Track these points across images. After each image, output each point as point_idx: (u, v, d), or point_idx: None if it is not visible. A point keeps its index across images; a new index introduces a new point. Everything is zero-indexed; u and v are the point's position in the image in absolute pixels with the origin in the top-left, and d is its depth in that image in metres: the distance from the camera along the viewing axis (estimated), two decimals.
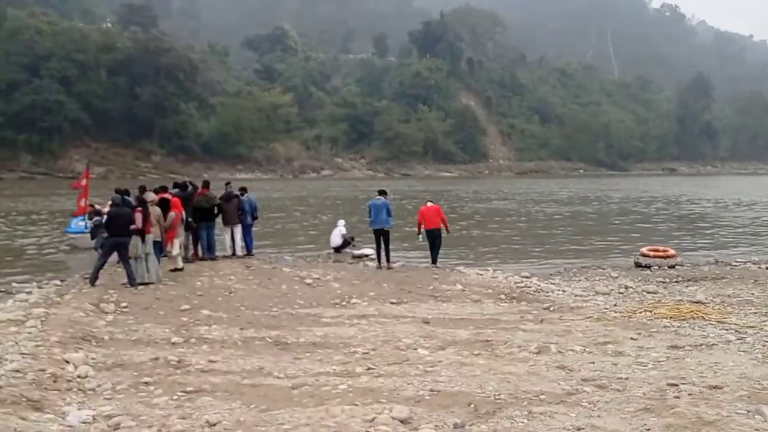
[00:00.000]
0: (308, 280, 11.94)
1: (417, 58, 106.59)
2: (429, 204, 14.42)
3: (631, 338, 7.83)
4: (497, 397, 5.73)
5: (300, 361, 7.12)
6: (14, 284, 11.99)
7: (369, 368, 6.70)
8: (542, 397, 5.66)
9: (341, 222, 16.65)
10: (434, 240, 14.02)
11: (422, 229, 14.03)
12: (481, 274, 13.24)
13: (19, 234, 21.22)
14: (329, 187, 56.34)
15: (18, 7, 77.90)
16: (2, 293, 10.90)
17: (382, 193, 14.17)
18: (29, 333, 7.66)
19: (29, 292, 10.86)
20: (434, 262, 14.03)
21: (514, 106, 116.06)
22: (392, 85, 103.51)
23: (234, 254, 14.44)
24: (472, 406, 5.52)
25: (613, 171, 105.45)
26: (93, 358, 6.97)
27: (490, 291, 11.50)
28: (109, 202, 11.94)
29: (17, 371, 5.98)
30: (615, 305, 10.15)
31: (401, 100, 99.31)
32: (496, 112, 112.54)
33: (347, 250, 16.04)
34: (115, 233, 11.40)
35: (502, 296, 11.09)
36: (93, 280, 11.26)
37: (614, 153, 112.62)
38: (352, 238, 16.36)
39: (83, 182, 15.57)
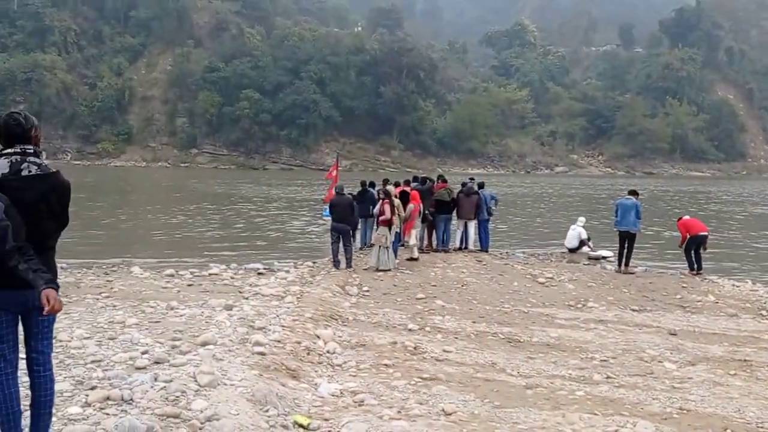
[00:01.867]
0: (541, 279, 11.67)
1: (667, 48, 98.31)
2: (686, 218, 13.46)
3: None
4: (760, 424, 5.05)
5: (533, 360, 6.98)
6: (275, 263, 13.48)
7: (608, 377, 6.34)
8: None
9: (581, 220, 15.91)
10: (700, 245, 12.89)
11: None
12: (737, 286, 11.82)
13: (284, 218, 23.86)
14: (564, 185, 54.55)
15: (285, 17, 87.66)
16: (267, 270, 12.32)
17: (633, 193, 13.26)
18: (287, 308, 8.53)
19: (287, 271, 12.14)
20: (699, 269, 12.87)
21: None
22: (638, 78, 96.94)
23: (465, 247, 14.65)
24: (729, 431, 4.94)
25: None
26: (339, 336, 7.55)
27: (748, 305, 10.21)
28: (335, 191, 12.87)
29: (278, 341, 6.69)
30: None
31: (647, 94, 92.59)
32: (759, 106, 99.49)
33: (583, 250, 15.36)
34: (337, 219, 12.29)
35: (764, 312, 9.78)
36: (336, 263, 12.24)
37: None
38: (588, 239, 15.62)
39: (334, 173, 17.00)
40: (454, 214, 14.60)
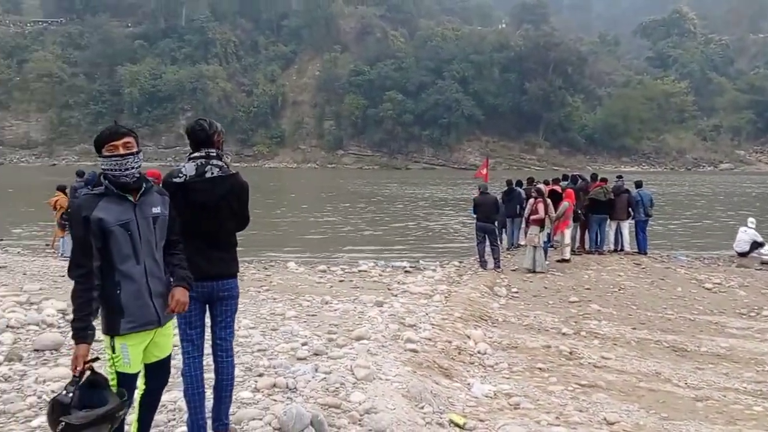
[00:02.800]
0: (708, 285, 10.78)
1: None
2: None
3: None
4: None
5: (702, 371, 6.46)
6: (421, 262, 13.58)
7: None
8: None
9: (751, 221, 14.49)
10: None
11: None
12: None
13: (428, 216, 24.04)
14: (730, 183, 50.12)
15: (428, 18, 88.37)
16: (413, 269, 12.45)
17: None
18: (436, 306, 8.55)
19: (434, 270, 12.19)
20: None
21: None
22: None
23: (620, 249, 13.88)
24: None
25: None
26: (490, 337, 7.43)
27: None
28: (478, 189, 12.63)
29: (429, 339, 6.71)
30: None
31: None
32: None
33: (755, 254, 13.97)
34: (482, 218, 12.06)
35: None
36: (482, 263, 12.08)
37: None
38: (762, 243, 14.16)
39: (483, 171, 16.81)
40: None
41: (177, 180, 3.49)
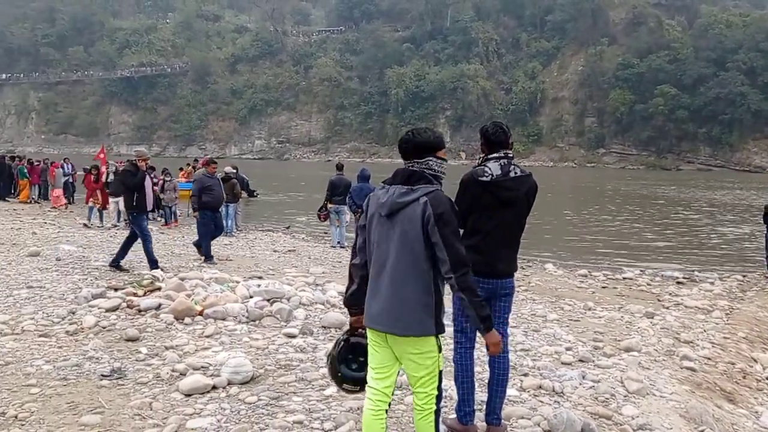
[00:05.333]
0: None
1: None
2: None
3: None
4: None
5: None
6: (696, 273, 12.37)
7: None
8: None
9: None
10: None
11: None
12: None
13: (706, 223, 21.86)
14: None
15: (710, 4, 79.77)
16: (687, 280, 11.39)
17: None
18: (716, 323, 7.74)
19: (712, 283, 11.02)
20: None
21: None
22: None
23: None
24: None
25: None
26: None
27: None
28: None
29: (708, 359, 6.11)
30: None
31: None
32: None
33: None
34: None
35: None
36: None
37: None
38: None
39: None
40: None
41: (483, 179, 3.65)
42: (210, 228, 10.49)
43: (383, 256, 2.98)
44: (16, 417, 3.81)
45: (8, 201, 21.39)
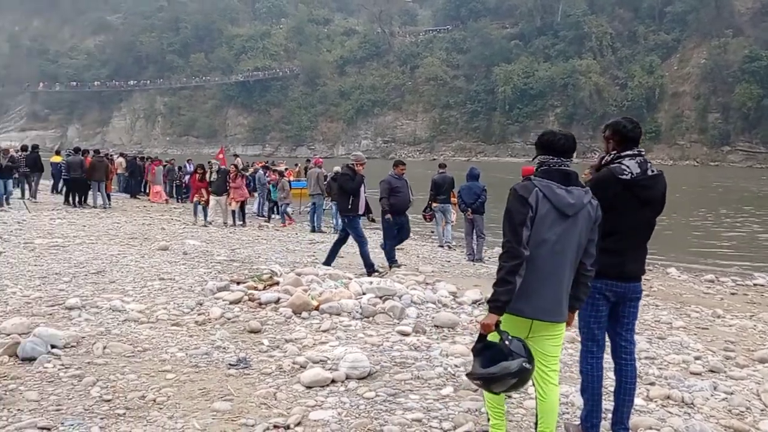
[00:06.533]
0: None
1: None
2: None
3: None
4: None
5: None
6: None
7: None
8: None
9: None
10: None
11: None
12: None
13: None
14: None
15: None
16: None
17: None
18: None
19: None
20: None
21: None
22: None
23: None
24: None
25: None
26: None
27: None
28: None
29: None
30: None
31: None
32: None
33: None
34: None
35: None
36: None
37: None
38: None
39: None
40: None
41: (623, 177, 3.51)
42: (394, 231, 10.11)
43: (563, 252, 3.19)
44: (154, 401, 4.09)
45: (139, 198, 23.02)
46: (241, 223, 16.51)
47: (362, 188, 9.35)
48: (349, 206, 9.21)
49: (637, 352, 5.60)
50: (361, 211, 9.43)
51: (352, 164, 9.39)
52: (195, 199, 16.74)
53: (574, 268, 3.25)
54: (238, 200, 16.35)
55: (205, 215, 16.27)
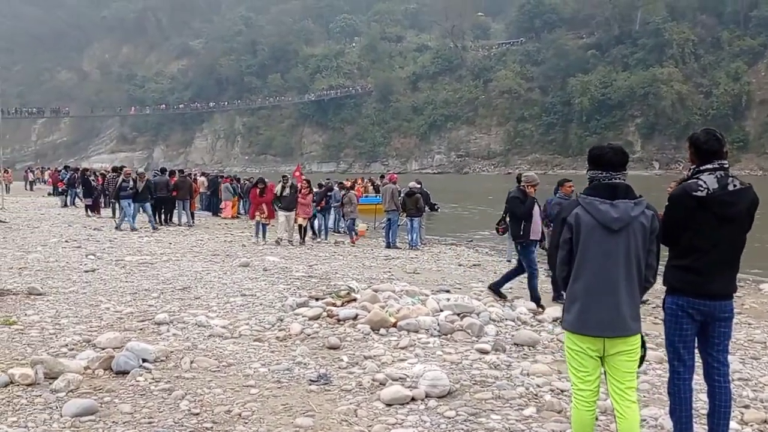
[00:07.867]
0: None
1: None
2: None
3: None
4: None
5: None
6: None
7: None
8: None
9: None
10: None
11: None
12: None
13: None
14: None
15: None
16: None
17: None
18: None
19: None
20: None
21: None
22: None
23: None
24: None
25: None
26: None
27: None
28: None
29: None
30: None
31: None
32: None
33: None
34: None
35: None
36: None
37: None
38: None
39: None
40: None
41: (698, 194, 3.40)
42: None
43: (616, 266, 3.18)
44: (239, 415, 4.21)
45: (220, 216, 23.84)
46: (301, 241, 15.95)
47: (536, 211, 8.45)
48: (521, 232, 8.33)
49: (731, 374, 5.35)
50: (536, 237, 8.47)
51: (523, 185, 8.53)
52: (256, 218, 16.08)
53: (634, 280, 3.21)
54: (304, 217, 15.93)
55: (264, 233, 15.85)
